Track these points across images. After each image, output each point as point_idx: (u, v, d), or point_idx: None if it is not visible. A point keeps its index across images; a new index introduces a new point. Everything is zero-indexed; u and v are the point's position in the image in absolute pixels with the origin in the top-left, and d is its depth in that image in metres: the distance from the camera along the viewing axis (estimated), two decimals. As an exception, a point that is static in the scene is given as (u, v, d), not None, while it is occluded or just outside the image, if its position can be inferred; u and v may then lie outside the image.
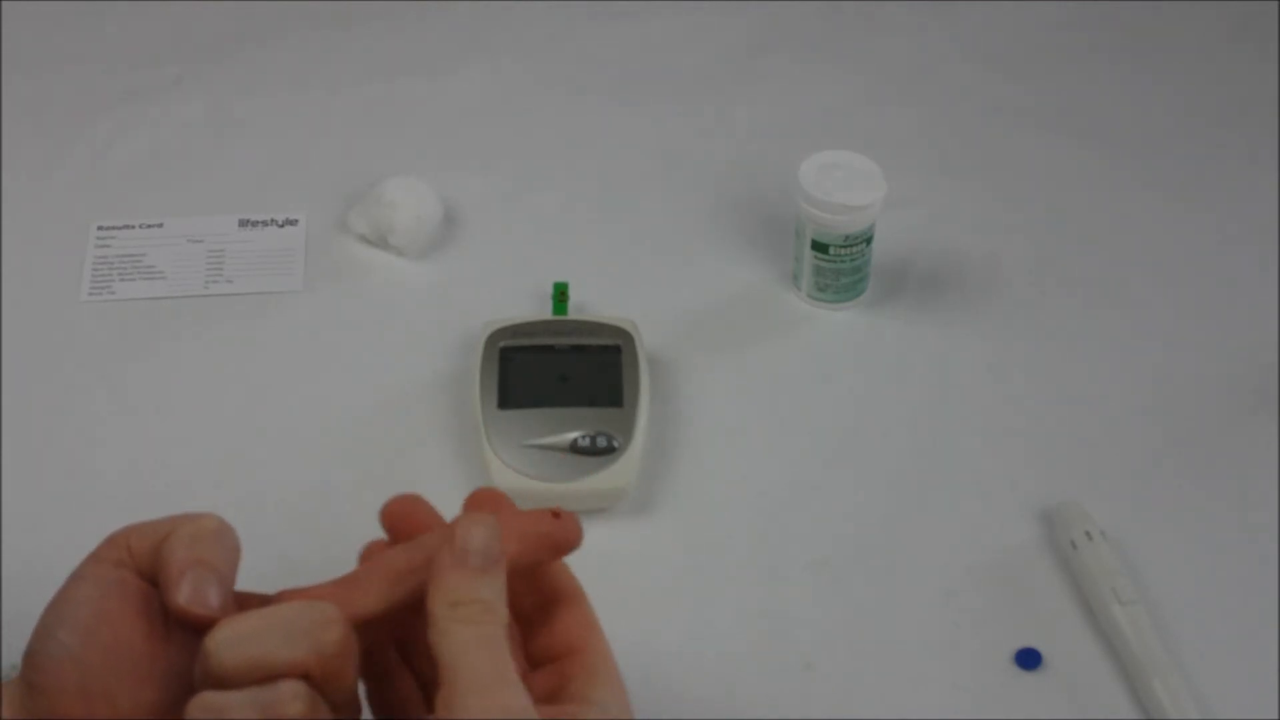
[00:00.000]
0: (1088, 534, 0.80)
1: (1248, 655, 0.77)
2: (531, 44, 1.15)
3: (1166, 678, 0.74)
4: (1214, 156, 1.05)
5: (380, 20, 1.17)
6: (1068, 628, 0.78)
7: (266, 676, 0.53)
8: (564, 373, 0.86)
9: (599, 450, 0.83)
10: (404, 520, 0.61)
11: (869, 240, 0.92)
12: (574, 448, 0.83)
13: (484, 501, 0.62)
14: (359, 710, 0.58)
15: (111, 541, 0.59)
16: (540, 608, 0.60)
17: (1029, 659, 0.77)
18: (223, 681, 0.53)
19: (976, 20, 1.17)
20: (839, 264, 0.92)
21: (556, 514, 0.59)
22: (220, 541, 0.58)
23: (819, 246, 0.91)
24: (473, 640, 0.54)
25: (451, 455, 0.86)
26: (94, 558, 0.58)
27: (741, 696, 0.76)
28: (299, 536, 0.81)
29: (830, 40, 1.15)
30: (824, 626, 0.79)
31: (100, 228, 1.00)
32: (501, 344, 0.87)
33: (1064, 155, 1.06)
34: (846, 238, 0.91)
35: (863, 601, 0.80)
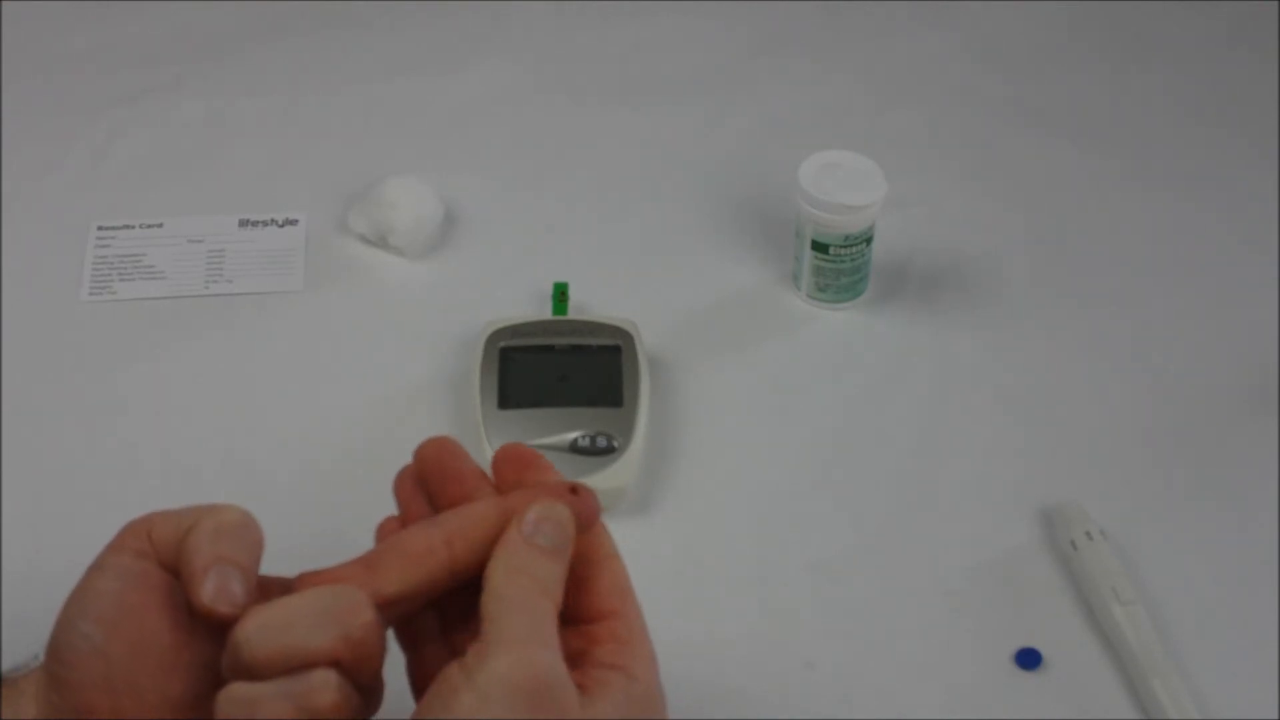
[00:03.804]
0: (1088, 534, 0.80)
1: (1248, 655, 0.77)
2: (531, 44, 1.15)
3: (1166, 678, 0.74)
4: (1214, 156, 1.05)
5: (380, 20, 1.17)
6: (1068, 628, 0.78)
7: (298, 665, 0.53)
8: (564, 373, 0.86)
9: (599, 450, 0.83)
10: (437, 465, 0.61)
11: (869, 240, 0.92)
12: (574, 448, 0.83)
13: (513, 459, 0.61)
14: (382, 688, 0.58)
15: (132, 530, 0.58)
16: (575, 568, 0.59)
17: (1029, 659, 0.77)
18: (253, 672, 0.53)
19: (976, 20, 1.17)
20: (839, 264, 0.92)
21: (575, 489, 0.59)
22: (243, 535, 0.58)
23: (819, 246, 0.91)
24: (520, 601, 0.55)
25: (451, 455, 0.86)
26: (114, 547, 0.58)
27: (741, 696, 0.76)
28: (299, 536, 0.80)
29: (830, 40, 1.15)
30: (824, 626, 0.79)
31: (100, 228, 1.00)
32: (501, 344, 0.87)
33: (1064, 155, 1.06)
34: (846, 238, 0.91)
35: (863, 601, 0.80)
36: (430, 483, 0.62)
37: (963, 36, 1.15)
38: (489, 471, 0.63)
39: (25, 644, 0.62)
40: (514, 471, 0.61)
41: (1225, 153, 1.06)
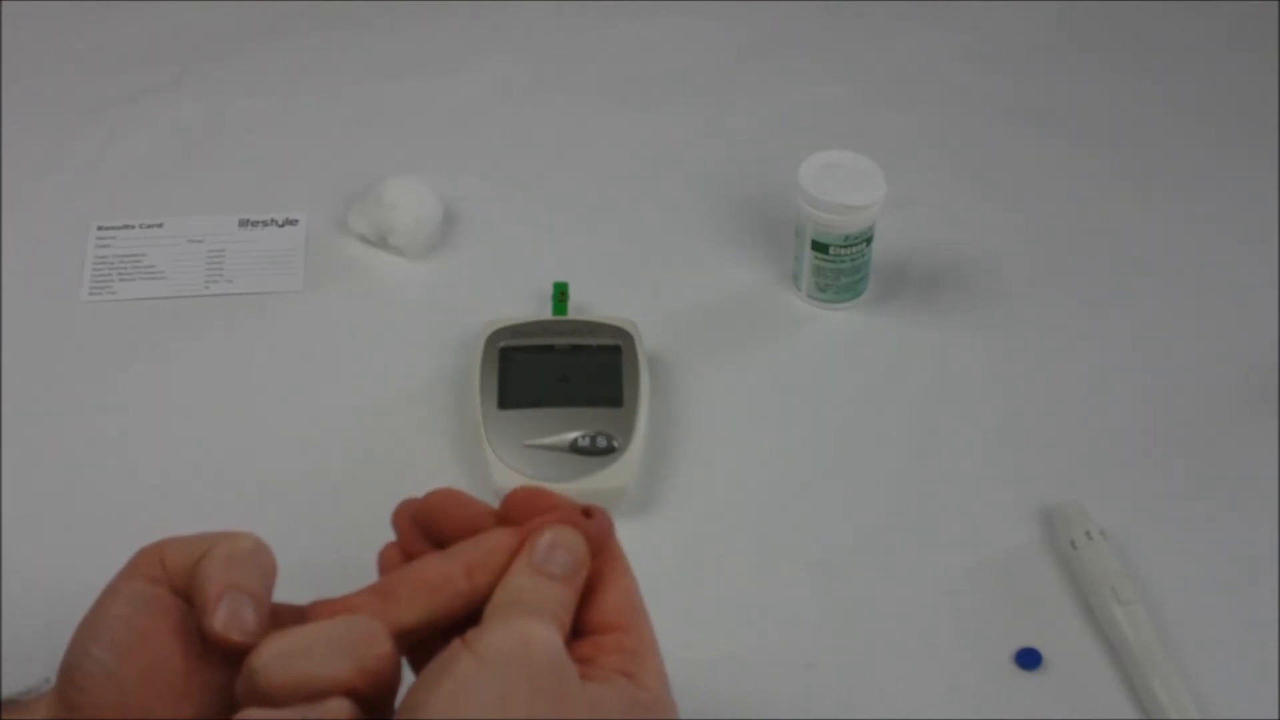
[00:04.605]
0: (1088, 534, 0.80)
1: (1248, 655, 0.77)
2: (531, 44, 1.15)
3: (1166, 678, 0.74)
4: (1214, 157, 1.05)
5: (380, 20, 1.17)
6: (1068, 628, 0.78)
7: (312, 694, 0.53)
8: (564, 373, 0.86)
9: (599, 450, 0.83)
10: (442, 513, 0.60)
11: (869, 240, 0.92)
12: (574, 448, 0.83)
13: (526, 501, 0.60)
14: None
15: (145, 556, 0.58)
16: (587, 581, 0.59)
17: (1029, 659, 0.77)
18: (268, 699, 0.53)
19: (976, 20, 1.17)
20: (839, 264, 0.92)
21: (588, 512, 0.59)
22: (256, 562, 0.58)
23: (819, 246, 0.91)
24: (524, 605, 0.55)
25: (451, 455, 0.86)
26: (127, 573, 0.58)
27: (741, 696, 0.76)
28: (299, 536, 0.81)
29: (830, 40, 1.15)
30: (824, 626, 0.79)
31: (100, 228, 1.00)
32: (501, 344, 0.87)
33: (1064, 156, 1.06)
34: (846, 238, 0.91)
35: (863, 601, 0.80)
36: (437, 527, 0.61)
37: (962, 36, 1.15)
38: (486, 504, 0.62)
39: (27, 646, 0.62)
40: (527, 512, 0.60)
41: (1225, 153, 1.06)
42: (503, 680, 0.52)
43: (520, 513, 0.60)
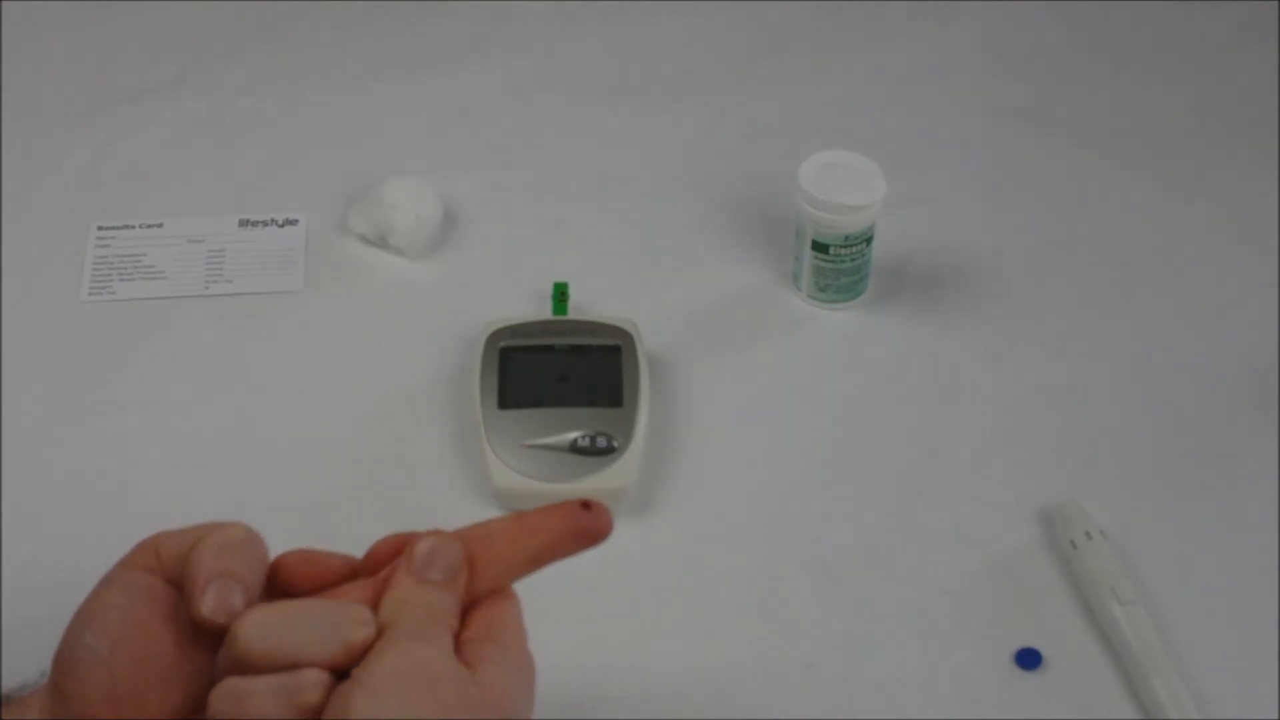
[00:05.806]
0: (1088, 534, 0.80)
1: (1248, 655, 0.77)
2: (531, 44, 1.15)
3: (1166, 678, 0.74)
4: (1214, 157, 1.05)
5: (380, 20, 1.17)
6: (1068, 628, 0.78)
7: (291, 666, 0.53)
8: (564, 373, 0.86)
9: (599, 450, 0.83)
10: (300, 572, 0.61)
11: (869, 240, 0.92)
12: (574, 448, 0.83)
13: (298, 563, 0.61)
14: None
15: (141, 547, 0.59)
16: None
17: (1029, 659, 0.77)
18: (247, 666, 0.53)
19: (976, 20, 1.17)
20: (839, 264, 0.92)
21: (587, 505, 0.59)
22: (247, 551, 0.58)
23: (819, 246, 0.91)
24: (407, 619, 0.55)
25: (451, 455, 0.86)
26: (123, 564, 0.59)
27: (742, 696, 0.76)
28: (298, 536, 0.80)
29: (830, 41, 1.15)
30: (824, 626, 0.79)
31: (100, 228, 1.00)
32: (501, 344, 0.87)
33: (1064, 155, 1.06)
34: (846, 238, 0.91)
35: (863, 601, 0.80)
36: (293, 586, 0.61)
37: (963, 36, 1.15)
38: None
39: (26, 645, 0.62)
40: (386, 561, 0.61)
41: (1225, 153, 1.06)
42: (398, 700, 0.52)
43: (381, 563, 0.60)
